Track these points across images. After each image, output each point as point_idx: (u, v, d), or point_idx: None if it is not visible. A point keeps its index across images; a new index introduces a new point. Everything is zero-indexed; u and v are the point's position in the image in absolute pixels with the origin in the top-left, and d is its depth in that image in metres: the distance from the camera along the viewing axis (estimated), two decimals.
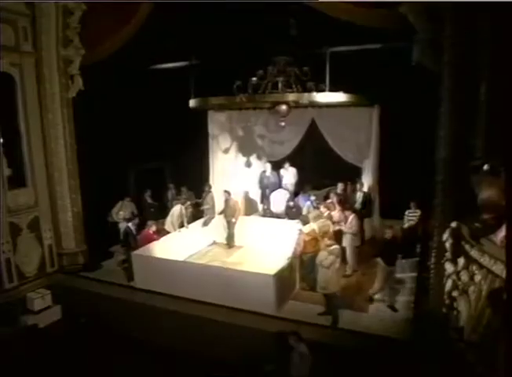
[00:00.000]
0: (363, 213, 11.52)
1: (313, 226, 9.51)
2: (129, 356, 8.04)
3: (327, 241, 8.53)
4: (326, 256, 8.22)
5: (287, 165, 13.70)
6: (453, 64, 6.53)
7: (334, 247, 8.40)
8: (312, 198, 11.94)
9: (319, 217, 10.06)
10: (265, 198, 13.81)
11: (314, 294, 8.97)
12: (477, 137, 6.13)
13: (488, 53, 5.79)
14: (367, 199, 11.96)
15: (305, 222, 9.60)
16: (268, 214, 13.46)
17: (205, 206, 12.77)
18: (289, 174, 13.75)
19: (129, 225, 10.47)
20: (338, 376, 7.08)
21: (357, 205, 11.70)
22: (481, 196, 4.86)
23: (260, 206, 14.16)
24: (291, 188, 13.49)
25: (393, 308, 8.66)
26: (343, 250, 10.10)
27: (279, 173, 13.79)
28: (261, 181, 13.73)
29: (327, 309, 8.44)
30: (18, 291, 9.78)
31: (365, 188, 12.25)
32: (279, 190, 13.26)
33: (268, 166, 13.71)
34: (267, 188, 13.62)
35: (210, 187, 13.10)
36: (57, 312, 9.99)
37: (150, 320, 8.96)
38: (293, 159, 13.70)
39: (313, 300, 8.95)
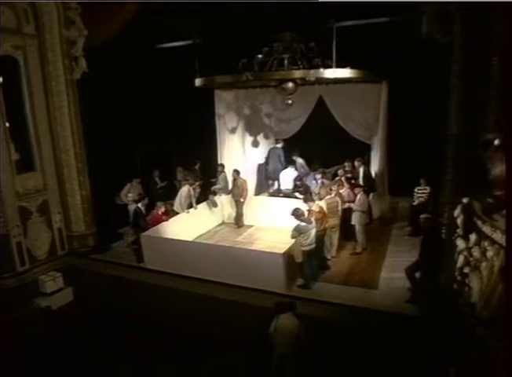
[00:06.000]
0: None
1: (321, 204, 9.47)
2: (140, 337, 8.12)
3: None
4: None
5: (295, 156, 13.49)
6: (463, 35, 6.36)
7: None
8: (318, 176, 11.87)
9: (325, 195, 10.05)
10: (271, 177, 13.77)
11: (321, 271, 9.19)
12: (489, 111, 6.00)
13: (500, 23, 5.61)
14: (368, 175, 12.03)
15: (313, 201, 9.52)
16: (276, 193, 13.43)
17: (217, 186, 12.76)
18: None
19: (139, 205, 10.47)
20: (353, 353, 7.11)
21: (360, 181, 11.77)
22: (493, 172, 4.76)
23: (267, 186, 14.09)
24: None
25: None
26: (352, 228, 10.15)
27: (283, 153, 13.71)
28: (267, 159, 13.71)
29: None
30: (30, 274, 9.88)
31: (373, 165, 12.16)
32: (288, 169, 13.16)
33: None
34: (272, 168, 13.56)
35: (223, 167, 13.05)
36: (69, 294, 10.15)
37: (160, 300, 9.03)
38: (301, 137, 13.58)
39: (322, 278, 9.03)
